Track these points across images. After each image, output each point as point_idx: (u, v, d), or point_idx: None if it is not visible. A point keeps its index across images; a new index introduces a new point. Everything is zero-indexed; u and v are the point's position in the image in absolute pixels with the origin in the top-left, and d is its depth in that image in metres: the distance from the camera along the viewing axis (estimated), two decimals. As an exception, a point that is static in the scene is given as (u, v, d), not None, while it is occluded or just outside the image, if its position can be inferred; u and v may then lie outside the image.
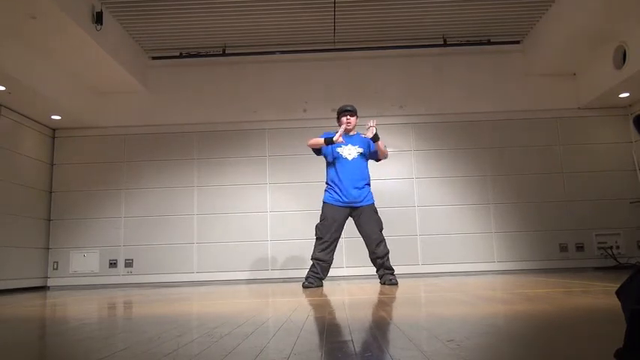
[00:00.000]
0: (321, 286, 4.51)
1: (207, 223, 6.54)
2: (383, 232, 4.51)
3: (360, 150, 4.55)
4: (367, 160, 4.67)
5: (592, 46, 5.93)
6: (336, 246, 4.52)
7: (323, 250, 4.44)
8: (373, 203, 4.55)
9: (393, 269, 4.53)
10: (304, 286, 4.40)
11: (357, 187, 4.47)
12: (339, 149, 4.54)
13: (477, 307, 2.57)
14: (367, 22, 6.22)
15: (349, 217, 4.55)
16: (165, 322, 2.30)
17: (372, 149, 4.62)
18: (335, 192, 4.51)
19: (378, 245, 4.44)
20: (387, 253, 4.50)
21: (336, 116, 4.70)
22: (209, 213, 6.55)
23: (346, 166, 4.51)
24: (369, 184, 4.60)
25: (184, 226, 6.53)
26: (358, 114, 4.69)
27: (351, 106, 4.64)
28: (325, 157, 4.64)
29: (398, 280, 4.55)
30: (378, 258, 4.47)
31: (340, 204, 4.48)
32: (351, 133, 4.63)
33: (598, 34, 5.59)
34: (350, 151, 4.54)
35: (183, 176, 6.64)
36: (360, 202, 4.48)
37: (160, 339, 1.72)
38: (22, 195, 6.04)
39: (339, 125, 4.56)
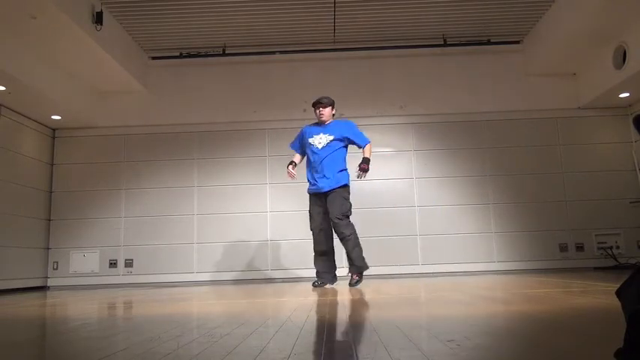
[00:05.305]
0: (330, 283, 4.57)
1: (207, 223, 6.53)
2: (351, 217, 4.47)
3: (331, 137, 4.54)
4: (345, 146, 4.60)
5: (592, 46, 5.93)
6: (329, 234, 4.53)
7: (315, 243, 4.54)
8: (342, 186, 4.47)
9: (360, 266, 4.43)
10: (314, 286, 4.52)
11: (324, 176, 4.48)
12: (310, 139, 4.60)
13: (477, 307, 2.57)
14: (367, 22, 6.22)
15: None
16: (165, 322, 2.30)
17: (350, 137, 4.59)
18: (309, 180, 4.62)
19: (337, 226, 4.39)
20: (349, 235, 4.38)
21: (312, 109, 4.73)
22: (209, 213, 6.55)
23: (315, 153, 4.55)
24: (342, 171, 4.53)
25: (184, 226, 6.52)
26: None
27: (326, 98, 4.66)
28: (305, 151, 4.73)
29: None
30: (342, 240, 4.43)
31: (315, 190, 4.53)
32: (326, 123, 4.64)
33: (598, 34, 5.59)
34: (321, 140, 4.56)
35: (184, 176, 6.63)
36: (325, 188, 4.46)
37: (160, 339, 1.72)
38: (22, 195, 6.04)
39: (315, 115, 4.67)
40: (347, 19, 6.14)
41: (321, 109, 4.60)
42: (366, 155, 4.54)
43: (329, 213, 4.42)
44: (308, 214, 4.62)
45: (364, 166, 4.46)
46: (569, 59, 6.28)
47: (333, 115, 4.71)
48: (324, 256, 4.55)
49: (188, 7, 5.72)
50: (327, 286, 4.54)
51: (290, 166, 4.63)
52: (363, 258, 4.45)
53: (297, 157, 4.77)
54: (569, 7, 5.49)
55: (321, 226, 4.50)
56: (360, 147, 4.64)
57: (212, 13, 5.88)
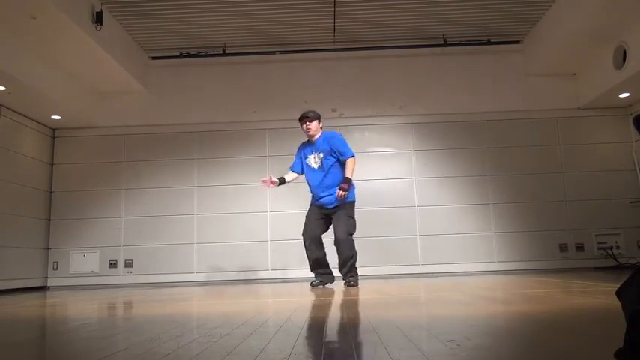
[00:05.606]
0: (330, 282, 4.57)
1: (207, 223, 6.53)
2: (354, 235, 4.43)
3: (322, 155, 4.48)
4: (338, 159, 4.49)
5: (592, 46, 5.93)
6: (321, 243, 4.51)
7: (308, 252, 4.52)
8: (348, 202, 4.44)
9: (352, 273, 4.42)
10: (312, 285, 4.55)
11: (325, 195, 4.45)
12: (306, 160, 4.57)
13: (477, 307, 2.57)
14: (367, 22, 6.22)
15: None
16: (165, 322, 2.30)
17: (335, 149, 4.48)
18: (312, 195, 4.60)
19: (341, 246, 4.35)
20: (350, 257, 4.38)
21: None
22: (209, 213, 6.55)
23: (313, 174, 4.53)
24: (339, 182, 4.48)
25: (184, 226, 6.52)
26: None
27: (312, 112, 4.55)
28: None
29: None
30: (340, 259, 4.41)
31: (319, 205, 4.52)
32: (314, 138, 4.56)
33: (598, 34, 5.59)
34: (315, 160, 4.52)
35: (184, 176, 6.63)
36: (331, 205, 4.44)
37: (160, 339, 1.72)
38: (22, 195, 6.04)
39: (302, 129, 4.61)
40: (347, 19, 6.14)
41: (307, 123, 4.48)
42: (348, 174, 4.39)
43: (334, 229, 4.38)
44: (305, 218, 4.59)
45: (344, 186, 4.31)
46: (569, 59, 6.28)
47: (321, 128, 4.60)
48: (319, 263, 4.54)
49: (188, 7, 5.72)
50: (327, 285, 4.54)
51: (272, 177, 4.53)
52: (356, 275, 4.46)
53: (289, 175, 4.68)
54: (569, 7, 5.48)
55: (313, 236, 4.46)
56: (341, 157, 4.46)
57: (212, 13, 5.88)
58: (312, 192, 4.59)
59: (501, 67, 6.78)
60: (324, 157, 4.47)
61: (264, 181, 4.53)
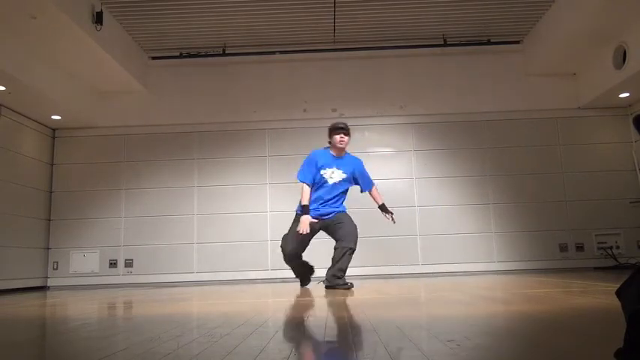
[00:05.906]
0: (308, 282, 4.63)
1: (207, 223, 6.53)
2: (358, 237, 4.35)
3: (344, 176, 4.36)
4: (350, 184, 4.46)
5: (592, 46, 5.93)
6: (300, 255, 4.46)
7: (287, 261, 4.47)
8: (345, 211, 4.41)
9: (342, 274, 4.22)
10: (302, 286, 4.60)
11: (329, 207, 4.34)
12: (322, 171, 4.31)
13: (477, 307, 2.57)
14: (367, 22, 6.22)
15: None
16: (165, 322, 2.30)
17: (358, 177, 4.45)
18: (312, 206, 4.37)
19: (341, 252, 4.19)
20: (352, 249, 4.22)
21: (329, 130, 4.28)
22: (209, 213, 6.55)
23: (325, 188, 4.32)
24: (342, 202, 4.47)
25: (184, 226, 6.52)
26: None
27: (344, 123, 4.39)
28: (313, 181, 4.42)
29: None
30: (342, 247, 4.21)
31: (316, 215, 4.30)
32: (343, 153, 4.41)
33: (598, 34, 5.59)
34: (333, 175, 4.33)
35: (183, 176, 6.63)
36: (329, 215, 4.33)
37: (160, 339, 1.72)
38: (22, 195, 6.04)
39: (329, 142, 4.38)
40: (347, 19, 6.14)
41: (343, 135, 4.28)
42: (380, 202, 4.50)
43: (340, 237, 4.22)
44: (289, 232, 4.33)
45: (390, 211, 4.47)
46: (569, 59, 6.28)
47: None
48: (304, 274, 4.57)
49: (188, 7, 5.72)
50: (310, 284, 4.60)
51: (306, 220, 4.17)
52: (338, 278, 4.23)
53: (306, 193, 4.27)
54: (569, 7, 5.49)
55: (295, 252, 4.34)
56: (362, 191, 4.50)
57: (212, 13, 5.88)
58: (315, 201, 4.33)
59: (501, 67, 6.77)
60: (344, 180, 4.35)
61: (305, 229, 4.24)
